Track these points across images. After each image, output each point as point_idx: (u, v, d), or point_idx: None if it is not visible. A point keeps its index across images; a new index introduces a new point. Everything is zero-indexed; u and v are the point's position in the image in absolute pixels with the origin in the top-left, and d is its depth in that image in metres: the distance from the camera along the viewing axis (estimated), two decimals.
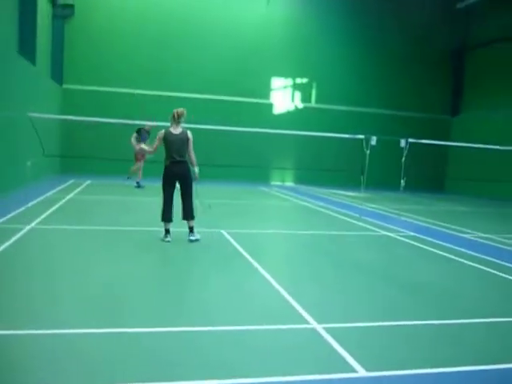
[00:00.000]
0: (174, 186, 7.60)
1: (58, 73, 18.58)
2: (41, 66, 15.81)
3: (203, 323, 4.21)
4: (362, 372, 3.42)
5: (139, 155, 14.62)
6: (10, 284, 5.01)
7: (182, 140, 7.44)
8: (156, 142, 7.67)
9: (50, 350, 3.52)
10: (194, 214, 7.63)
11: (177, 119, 7.49)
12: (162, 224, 7.56)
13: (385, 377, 3.41)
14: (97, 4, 19.40)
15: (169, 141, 7.45)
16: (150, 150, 8.07)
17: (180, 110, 7.55)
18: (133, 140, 14.64)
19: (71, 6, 18.80)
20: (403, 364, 3.61)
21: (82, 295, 4.78)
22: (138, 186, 14.92)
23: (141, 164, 14.86)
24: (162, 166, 7.60)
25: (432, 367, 3.58)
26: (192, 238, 7.55)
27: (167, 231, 7.55)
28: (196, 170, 7.65)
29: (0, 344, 3.61)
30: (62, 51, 18.93)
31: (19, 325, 3.93)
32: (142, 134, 14.46)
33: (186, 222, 7.61)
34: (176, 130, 7.48)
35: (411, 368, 3.55)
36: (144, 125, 14.03)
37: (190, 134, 7.53)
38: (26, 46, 14.01)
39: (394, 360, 3.69)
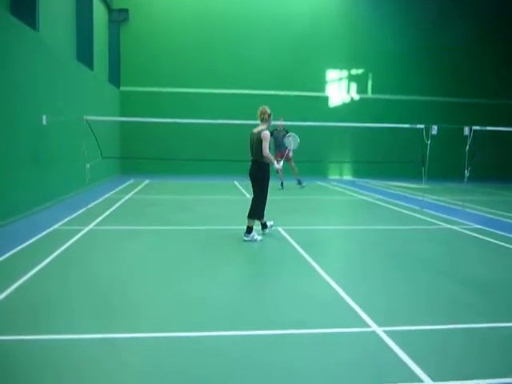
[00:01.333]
0: (252, 184, 7.60)
1: (115, 76, 19.06)
2: (98, 70, 16.24)
3: (262, 326, 4.09)
4: (427, 381, 3.17)
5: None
6: (75, 285, 5.09)
7: (256, 140, 7.33)
8: None
9: (108, 355, 3.51)
10: (256, 216, 7.50)
11: (260, 116, 7.48)
12: (222, 222, 7.55)
13: None
14: (150, 7, 19.68)
15: (250, 140, 7.53)
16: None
17: (262, 107, 7.52)
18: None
19: (126, 11, 19.20)
20: (473, 372, 3.33)
21: (133, 298, 4.78)
22: (299, 183, 15.15)
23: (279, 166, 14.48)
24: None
25: (507, 376, 3.28)
26: (245, 238, 7.40)
27: (250, 231, 7.47)
28: (275, 166, 7.56)
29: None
30: (119, 55, 19.38)
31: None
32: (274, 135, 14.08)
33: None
34: (256, 129, 7.45)
35: (482, 377, 3.26)
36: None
37: (264, 134, 7.29)
38: (84, 52, 14.44)
39: (463, 367, 3.41)
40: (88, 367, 3.32)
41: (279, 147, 14.52)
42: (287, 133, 14.40)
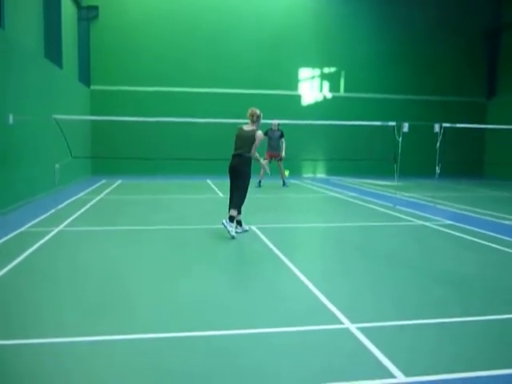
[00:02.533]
0: (232, 179, 7.78)
1: (85, 75, 18.70)
2: (68, 68, 15.92)
3: (235, 326, 4.02)
4: (401, 378, 3.15)
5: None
6: (45, 288, 4.93)
7: (248, 137, 7.61)
8: None
9: (84, 357, 3.40)
10: (237, 208, 7.63)
11: (249, 118, 7.75)
12: (195, 222, 7.60)
13: (426, 382, 3.13)
14: (121, 4, 19.37)
15: (237, 136, 7.79)
16: None
17: (252, 109, 7.80)
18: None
19: (96, 8, 18.87)
20: (447, 367, 3.33)
21: (106, 299, 4.66)
22: (284, 184, 15.52)
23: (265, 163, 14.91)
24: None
25: (479, 370, 3.29)
26: (224, 222, 7.44)
27: (232, 220, 7.56)
28: (261, 161, 7.85)
29: (33, 353, 3.51)
30: (89, 53, 19.04)
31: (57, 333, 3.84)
32: (268, 135, 14.81)
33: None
34: (248, 128, 7.72)
35: (456, 371, 3.26)
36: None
37: (259, 133, 7.64)
38: (52, 49, 14.09)
39: (436, 362, 3.40)
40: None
41: (272, 147, 14.67)
42: (282, 132, 14.75)
